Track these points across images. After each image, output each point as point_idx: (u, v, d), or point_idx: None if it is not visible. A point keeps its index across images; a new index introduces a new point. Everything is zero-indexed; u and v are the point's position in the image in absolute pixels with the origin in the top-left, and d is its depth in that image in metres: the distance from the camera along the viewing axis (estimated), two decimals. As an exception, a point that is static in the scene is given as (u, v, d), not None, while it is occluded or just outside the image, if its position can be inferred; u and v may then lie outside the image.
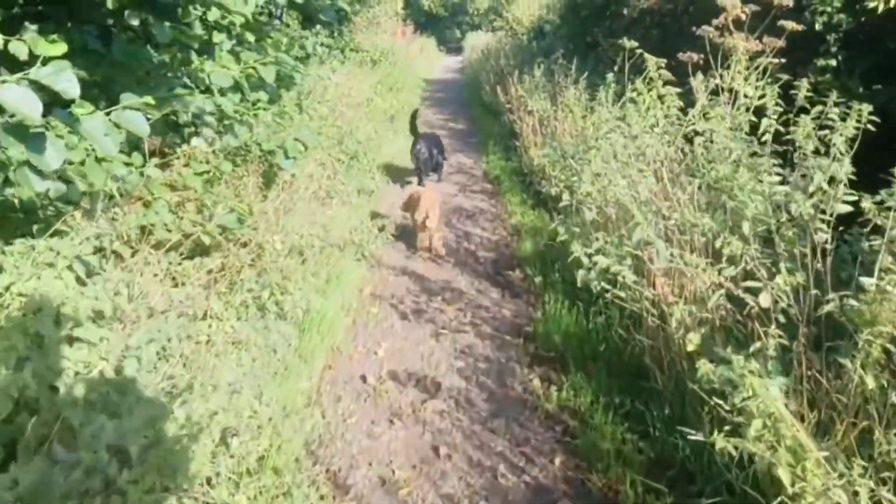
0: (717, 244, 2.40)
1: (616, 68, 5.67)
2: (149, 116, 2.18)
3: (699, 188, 2.96)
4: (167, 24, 2.71)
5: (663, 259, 2.23)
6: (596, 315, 3.43)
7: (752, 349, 2.02)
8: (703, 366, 1.83)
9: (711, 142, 3.10)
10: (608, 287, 2.59)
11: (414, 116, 6.88)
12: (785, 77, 3.12)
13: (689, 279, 2.42)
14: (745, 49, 3.67)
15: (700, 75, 3.43)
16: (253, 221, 3.40)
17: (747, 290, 2.19)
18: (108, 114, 2.03)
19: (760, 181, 2.58)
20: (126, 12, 2.61)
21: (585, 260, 2.65)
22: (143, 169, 3.10)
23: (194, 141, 3.61)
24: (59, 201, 2.72)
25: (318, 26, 10.85)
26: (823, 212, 2.11)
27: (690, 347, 2.40)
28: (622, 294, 2.59)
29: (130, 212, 2.90)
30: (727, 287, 2.17)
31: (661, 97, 3.48)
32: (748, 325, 2.33)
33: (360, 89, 8.28)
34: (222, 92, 3.30)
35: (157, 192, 2.98)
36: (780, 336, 2.01)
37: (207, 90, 3.37)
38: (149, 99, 2.24)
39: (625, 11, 8.69)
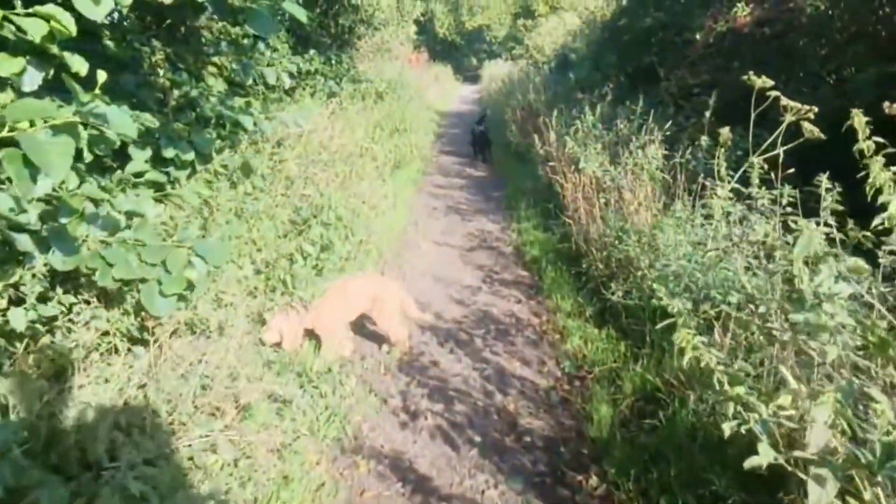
0: None
1: (707, 116, 3.85)
2: None
3: None
4: None
5: None
6: None
7: None
8: None
9: None
10: None
11: (483, 116, 10.04)
12: None
13: None
14: None
15: None
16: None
17: None
18: None
19: None
20: None
21: None
22: None
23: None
24: None
25: (312, 51, 9.01)
26: None
27: None
28: None
29: None
30: None
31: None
32: None
33: (353, 134, 6.38)
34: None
35: None
36: None
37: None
38: None
39: (697, 36, 6.78)
